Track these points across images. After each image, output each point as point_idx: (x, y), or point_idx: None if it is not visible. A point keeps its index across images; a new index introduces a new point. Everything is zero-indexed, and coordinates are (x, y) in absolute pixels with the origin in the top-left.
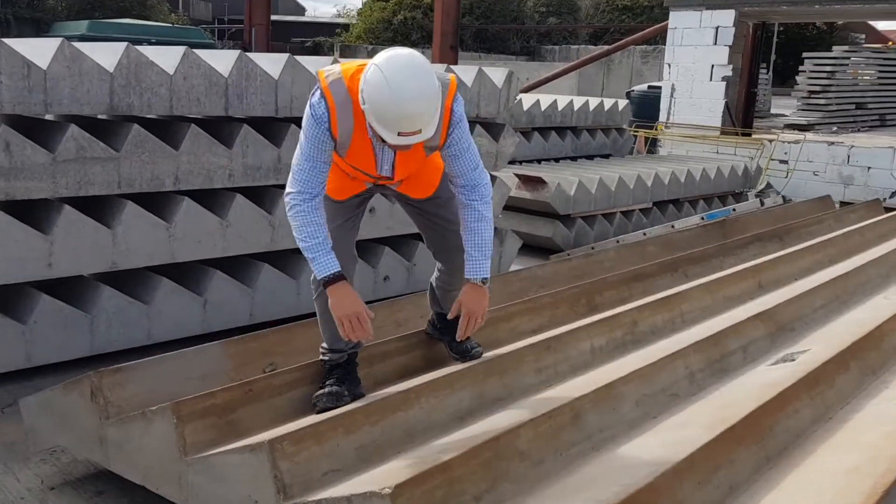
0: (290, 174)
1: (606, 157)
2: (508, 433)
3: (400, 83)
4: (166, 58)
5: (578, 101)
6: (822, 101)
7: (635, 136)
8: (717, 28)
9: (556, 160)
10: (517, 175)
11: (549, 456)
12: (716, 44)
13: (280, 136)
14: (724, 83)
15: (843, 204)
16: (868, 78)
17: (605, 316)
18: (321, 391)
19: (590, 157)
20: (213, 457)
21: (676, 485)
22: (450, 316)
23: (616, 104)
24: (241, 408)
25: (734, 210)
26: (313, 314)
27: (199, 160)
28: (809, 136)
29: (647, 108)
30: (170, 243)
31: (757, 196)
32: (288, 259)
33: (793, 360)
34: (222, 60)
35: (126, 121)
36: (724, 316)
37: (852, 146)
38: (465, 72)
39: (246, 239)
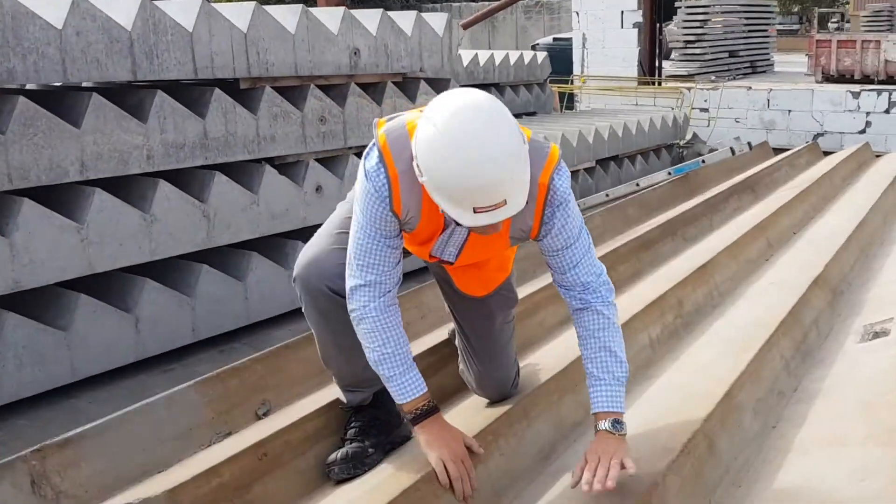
0: (349, 262)
1: (532, 114)
2: (655, 489)
3: (464, 138)
4: (52, 9)
5: (499, 55)
6: (699, 51)
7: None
8: None
9: None
10: None
11: None
12: None
13: (203, 103)
14: (636, 30)
15: (776, 150)
16: (736, 24)
17: (650, 300)
18: (334, 454)
19: (517, 116)
20: None
21: None
22: (573, 484)
23: (535, 57)
24: (257, 482)
25: (703, 162)
26: (270, 320)
27: (107, 139)
28: (756, 83)
29: (555, 62)
30: (84, 249)
31: (729, 146)
32: (229, 257)
33: (885, 333)
34: (122, 10)
35: (7, 93)
36: (760, 283)
37: (771, 90)
38: (402, 17)
39: (176, 237)
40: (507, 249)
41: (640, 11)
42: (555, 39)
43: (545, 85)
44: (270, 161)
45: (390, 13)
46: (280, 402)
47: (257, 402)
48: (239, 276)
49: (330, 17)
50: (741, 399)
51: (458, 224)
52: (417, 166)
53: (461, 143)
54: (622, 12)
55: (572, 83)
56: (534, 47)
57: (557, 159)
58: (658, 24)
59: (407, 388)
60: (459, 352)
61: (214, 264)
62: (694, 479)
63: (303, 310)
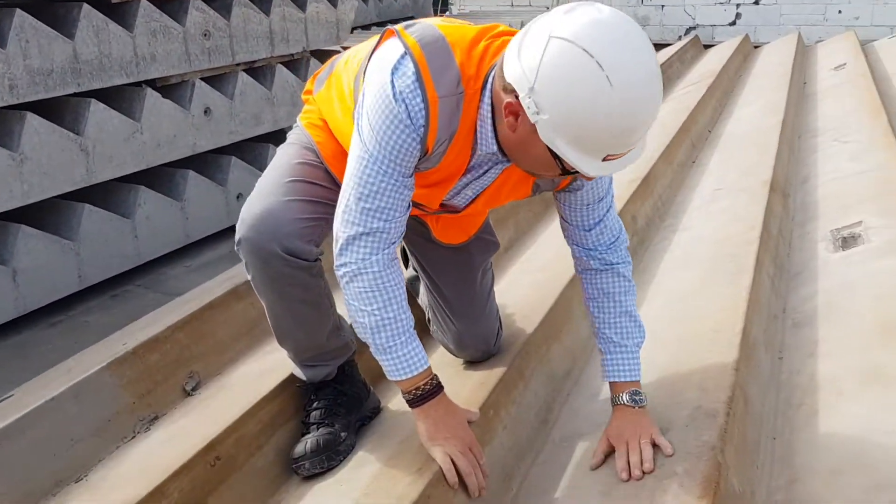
0: (347, 204)
1: (411, 18)
2: (720, 469)
3: (627, 75)
4: None
5: None
6: None
7: None
8: None
9: (366, 28)
10: None
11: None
12: None
13: (70, 21)
14: None
15: (656, 45)
16: None
17: None
18: (299, 447)
19: (395, 22)
20: None
21: None
22: (593, 465)
23: None
24: (212, 494)
25: None
26: (163, 258)
27: None
28: None
29: None
30: None
31: None
32: (113, 194)
33: (857, 238)
34: None
35: None
36: (701, 190)
37: None
38: None
39: (52, 176)
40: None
41: None
42: None
43: None
44: (152, 84)
45: None
46: (210, 372)
47: (184, 377)
48: (126, 214)
49: None
50: (755, 333)
51: (560, 173)
52: (533, 101)
53: (625, 76)
54: None
55: None
56: None
57: None
58: None
59: (408, 363)
60: (430, 312)
61: (97, 203)
62: (741, 445)
63: (249, 277)
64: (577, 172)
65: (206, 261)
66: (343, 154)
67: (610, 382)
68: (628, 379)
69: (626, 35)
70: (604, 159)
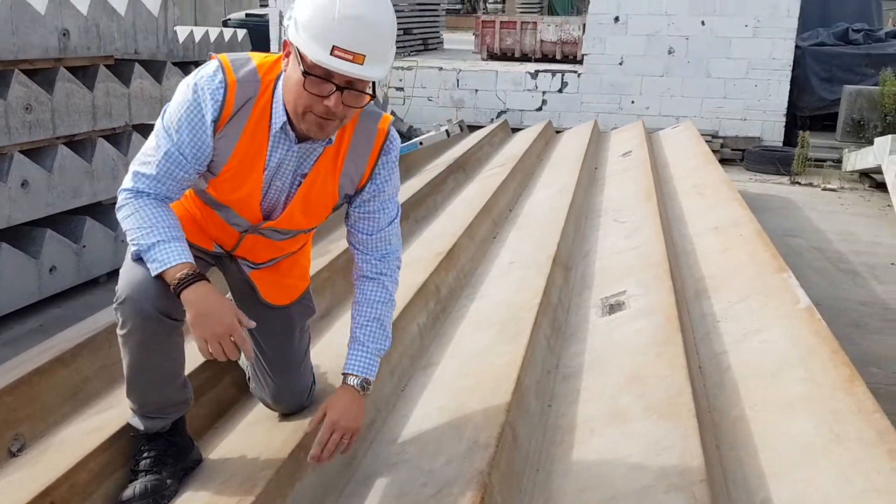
0: (131, 171)
1: None
2: (486, 490)
3: None
4: None
5: (198, 32)
6: None
7: None
8: None
9: None
10: None
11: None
12: None
13: None
14: None
15: (471, 127)
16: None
17: (416, 288)
18: (130, 490)
19: None
20: None
21: None
22: (309, 428)
23: (235, 34)
24: None
25: (421, 144)
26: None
27: None
28: (421, 61)
29: (251, 38)
30: None
31: (444, 129)
32: None
33: (621, 306)
34: None
35: None
36: (500, 262)
37: (461, 70)
38: None
39: None
40: (307, 242)
41: None
42: (247, 15)
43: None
44: None
45: None
46: (35, 434)
47: (9, 438)
48: None
49: None
50: (527, 383)
51: (307, 69)
52: (293, 19)
53: None
54: None
55: None
56: (225, 23)
57: (390, 121)
58: None
59: (171, 254)
60: (250, 370)
61: None
62: (508, 472)
63: (120, 333)
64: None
65: (14, 335)
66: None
67: (344, 373)
68: (362, 374)
69: None
70: (332, 52)
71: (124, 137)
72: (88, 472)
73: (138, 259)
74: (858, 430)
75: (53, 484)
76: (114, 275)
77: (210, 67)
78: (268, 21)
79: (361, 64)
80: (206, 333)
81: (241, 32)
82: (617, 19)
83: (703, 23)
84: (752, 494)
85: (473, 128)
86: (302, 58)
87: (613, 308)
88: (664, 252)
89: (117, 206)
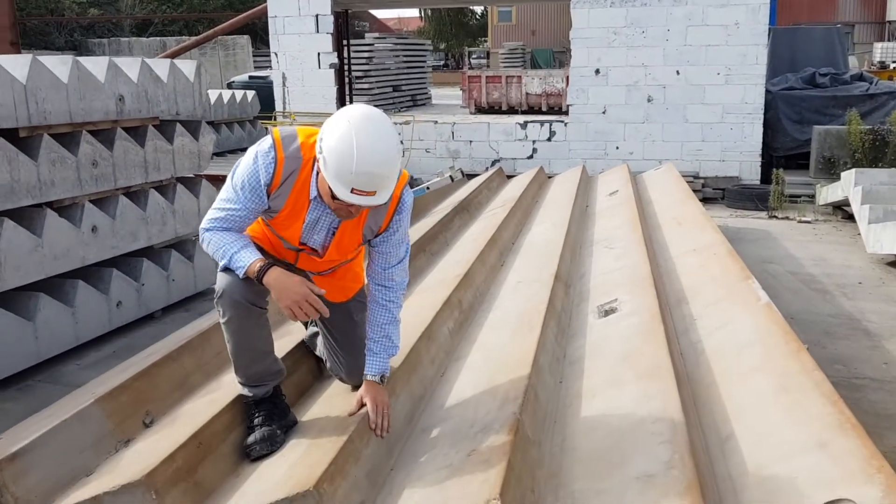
0: (208, 216)
1: (244, 150)
2: (518, 422)
3: (367, 139)
4: None
5: (212, 94)
6: (367, 86)
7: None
8: (316, 16)
9: (219, 154)
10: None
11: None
12: (318, 32)
13: None
14: (333, 70)
15: (468, 175)
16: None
17: (442, 301)
18: (252, 437)
19: (232, 152)
20: None
21: None
22: (351, 413)
23: (245, 95)
24: (200, 465)
25: (429, 189)
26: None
27: None
28: (418, 115)
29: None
30: None
31: (448, 175)
32: (17, 299)
33: (614, 311)
34: None
35: None
36: (508, 282)
37: (455, 123)
38: (159, 66)
39: None
40: (359, 254)
41: (335, 54)
42: (251, 77)
43: (256, 122)
44: (49, 205)
45: (148, 61)
46: (159, 411)
47: (142, 414)
48: (28, 317)
49: (96, 66)
50: (542, 362)
51: (332, 198)
52: (320, 147)
53: (365, 139)
54: (319, 54)
55: (275, 119)
56: (230, 85)
57: (407, 180)
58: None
59: (246, 257)
60: (325, 354)
61: (2, 307)
62: (533, 418)
63: (222, 321)
64: (334, 198)
65: (94, 360)
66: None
67: (366, 374)
68: (380, 373)
69: (380, 124)
70: (352, 191)
71: (170, 188)
72: (220, 423)
73: (225, 269)
74: (801, 383)
75: (200, 429)
76: (168, 310)
77: (267, 143)
78: (270, 82)
79: (374, 195)
80: (288, 302)
81: (251, 94)
82: (598, 71)
83: (678, 72)
84: (720, 430)
85: (470, 175)
86: (325, 185)
87: (607, 312)
88: (649, 270)
89: (201, 240)
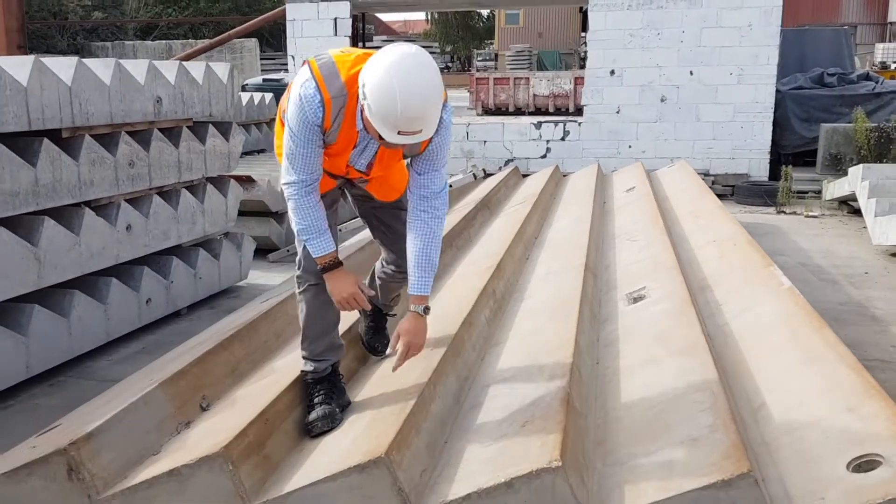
0: (284, 163)
1: (262, 152)
2: (568, 397)
3: (409, 85)
4: None
5: (243, 96)
6: None
7: None
8: (335, 19)
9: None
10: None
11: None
12: (336, 34)
13: (32, 152)
14: None
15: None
16: None
17: (479, 291)
18: (313, 414)
19: (249, 154)
20: (304, 489)
21: None
22: (389, 351)
23: (263, 98)
24: (268, 440)
25: (451, 186)
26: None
27: None
28: None
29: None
30: None
31: (471, 172)
32: (52, 296)
33: (643, 297)
34: None
35: None
36: (537, 273)
37: (469, 124)
38: (195, 68)
39: (12, 279)
40: (399, 163)
41: None
42: (265, 80)
43: (271, 124)
44: (87, 204)
45: (185, 64)
46: (214, 396)
47: (199, 398)
48: (63, 314)
49: (136, 68)
50: (582, 345)
51: (379, 139)
52: (364, 94)
53: (407, 86)
54: None
55: None
56: (244, 87)
57: (446, 99)
58: None
59: (321, 246)
60: (382, 248)
61: (40, 303)
62: (578, 393)
63: (299, 291)
64: (382, 140)
65: (124, 356)
66: None
67: (411, 295)
68: (421, 293)
69: (419, 66)
70: (399, 133)
71: (200, 188)
72: (283, 402)
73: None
74: (824, 355)
75: (266, 407)
76: (193, 307)
77: (311, 87)
78: (284, 85)
79: (420, 132)
80: (338, 297)
81: (268, 96)
82: (613, 72)
83: (691, 73)
84: (751, 401)
85: (487, 174)
86: (371, 127)
87: (636, 299)
88: (674, 259)
89: (286, 196)
